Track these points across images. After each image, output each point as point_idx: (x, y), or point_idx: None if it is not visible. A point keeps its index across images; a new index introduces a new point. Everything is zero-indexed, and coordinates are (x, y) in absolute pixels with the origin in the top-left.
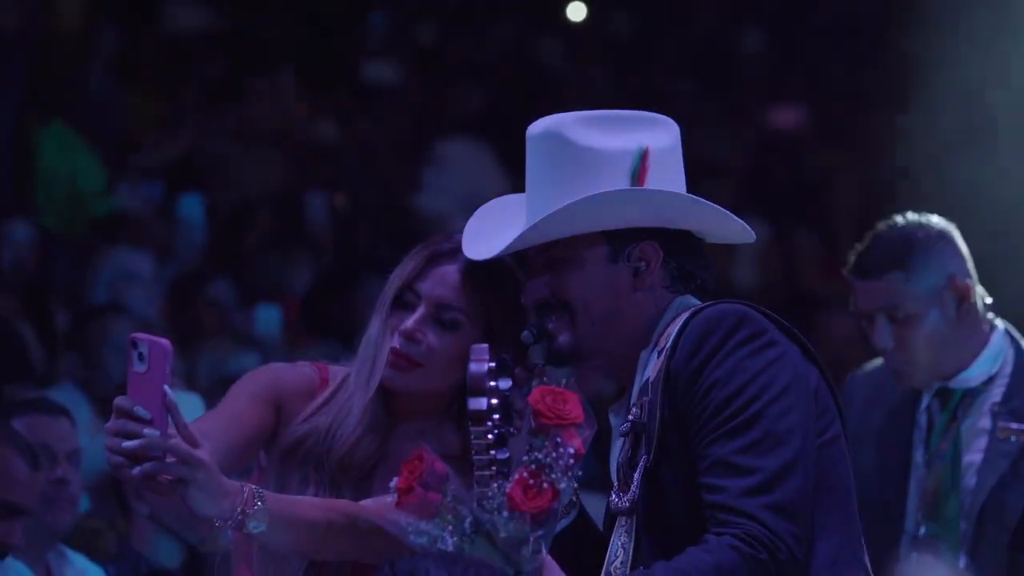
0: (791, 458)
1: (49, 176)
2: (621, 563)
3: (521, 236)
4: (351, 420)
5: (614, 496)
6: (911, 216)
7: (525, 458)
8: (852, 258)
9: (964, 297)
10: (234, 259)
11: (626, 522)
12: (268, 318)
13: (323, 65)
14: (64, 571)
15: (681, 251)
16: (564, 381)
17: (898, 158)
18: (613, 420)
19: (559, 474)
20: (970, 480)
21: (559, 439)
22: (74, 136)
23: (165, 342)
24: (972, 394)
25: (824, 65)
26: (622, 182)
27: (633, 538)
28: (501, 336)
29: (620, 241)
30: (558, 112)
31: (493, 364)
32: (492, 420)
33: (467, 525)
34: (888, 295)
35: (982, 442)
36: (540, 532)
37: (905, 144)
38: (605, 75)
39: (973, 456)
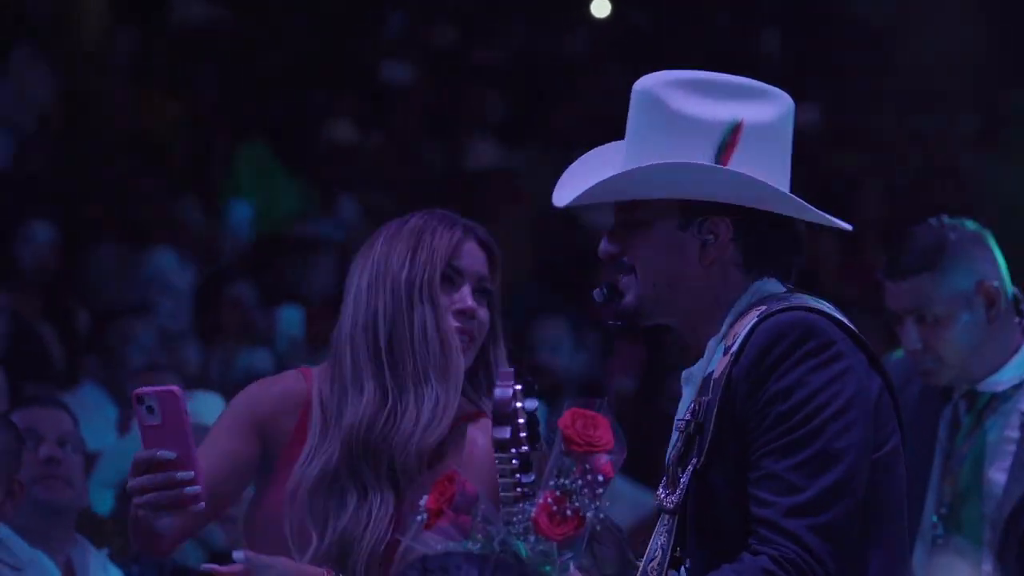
0: (843, 478)
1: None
2: (658, 564)
3: (587, 191)
4: (427, 416)
5: (661, 491)
6: (945, 218)
7: (552, 483)
8: (885, 259)
9: (993, 301)
10: (257, 261)
11: (668, 521)
12: (291, 319)
13: (340, 66)
14: (86, 566)
15: (760, 230)
16: (598, 403)
17: (915, 160)
18: (684, 388)
19: (587, 501)
20: (996, 487)
21: (588, 465)
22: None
23: (174, 389)
24: (1000, 398)
25: (841, 66)
26: (705, 154)
27: (672, 539)
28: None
29: (693, 211)
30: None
31: (519, 387)
32: (516, 446)
33: (496, 544)
34: (917, 296)
35: (1010, 449)
36: (569, 555)
37: (924, 145)
38: (624, 74)
39: (1000, 463)
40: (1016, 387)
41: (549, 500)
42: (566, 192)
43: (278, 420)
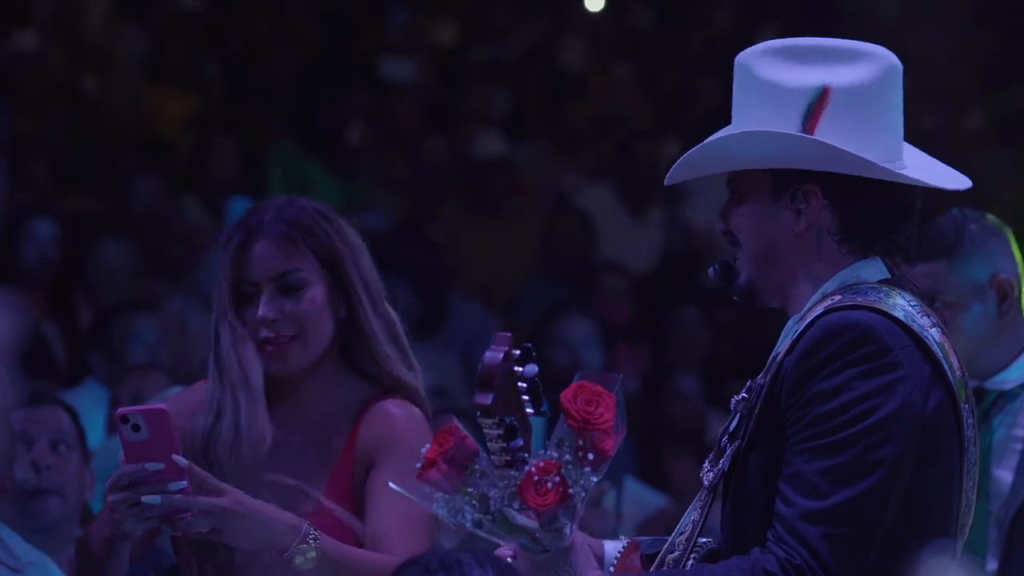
0: (870, 491)
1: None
2: (686, 539)
3: (674, 168)
4: (244, 426)
5: (707, 464)
6: (967, 209)
7: (543, 451)
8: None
9: (1006, 295)
10: None
11: (704, 497)
12: None
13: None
14: None
15: (856, 198)
16: (612, 380)
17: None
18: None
19: (575, 476)
20: (1003, 486)
21: (583, 441)
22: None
23: (161, 407)
24: (1007, 397)
25: None
26: (792, 121)
27: (704, 516)
28: (354, 267)
29: (784, 181)
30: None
31: (517, 352)
32: (499, 413)
33: (491, 504)
34: (930, 281)
35: (1017, 448)
36: (557, 524)
37: (930, 141)
38: (625, 71)
39: (1007, 462)
40: (1022, 386)
41: (533, 469)
42: (678, 172)
43: (186, 429)
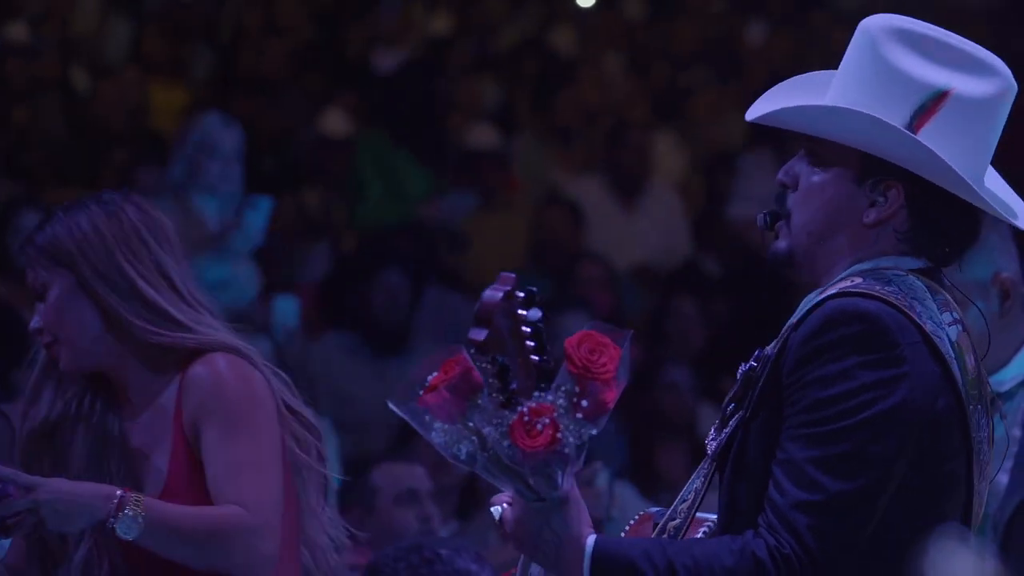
0: (864, 486)
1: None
2: (688, 507)
3: (772, 112)
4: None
5: (712, 432)
6: None
7: (536, 394)
8: None
9: (1008, 294)
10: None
11: (707, 466)
12: (285, 308)
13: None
14: None
15: (934, 207)
16: (622, 335)
17: None
18: None
19: (567, 422)
20: (999, 487)
21: (579, 388)
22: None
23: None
24: (1004, 398)
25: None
26: (901, 113)
27: (706, 484)
28: (82, 259)
29: (872, 168)
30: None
31: (521, 294)
32: (493, 351)
33: (490, 443)
34: None
35: (1012, 450)
36: (548, 471)
37: None
38: (617, 62)
39: (1002, 465)
40: (1020, 385)
41: (526, 410)
42: (758, 107)
43: (25, 428)
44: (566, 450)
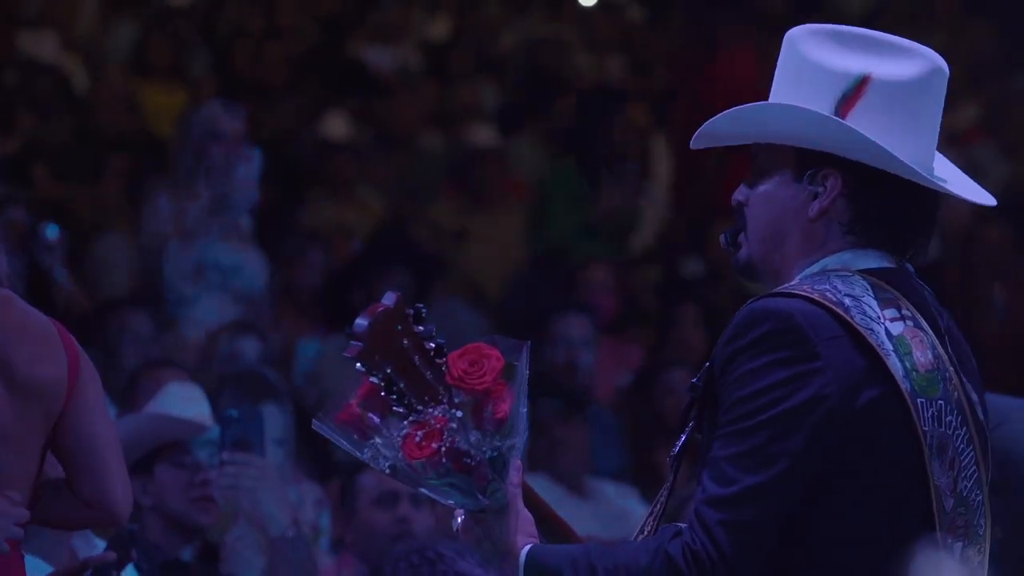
0: (769, 481)
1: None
2: (655, 518)
3: (700, 131)
4: None
5: (675, 447)
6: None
7: (419, 408)
8: None
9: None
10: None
11: (669, 477)
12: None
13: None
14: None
15: (875, 192)
16: (522, 347)
17: None
18: None
19: (465, 435)
20: None
21: (458, 400)
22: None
23: None
24: None
25: None
26: (826, 103)
27: (667, 496)
28: None
29: (807, 161)
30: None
31: (411, 311)
32: (377, 364)
33: (388, 453)
34: None
35: None
36: (456, 480)
37: None
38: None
39: None
40: None
41: (406, 423)
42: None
43: None
44: (469, 461)
